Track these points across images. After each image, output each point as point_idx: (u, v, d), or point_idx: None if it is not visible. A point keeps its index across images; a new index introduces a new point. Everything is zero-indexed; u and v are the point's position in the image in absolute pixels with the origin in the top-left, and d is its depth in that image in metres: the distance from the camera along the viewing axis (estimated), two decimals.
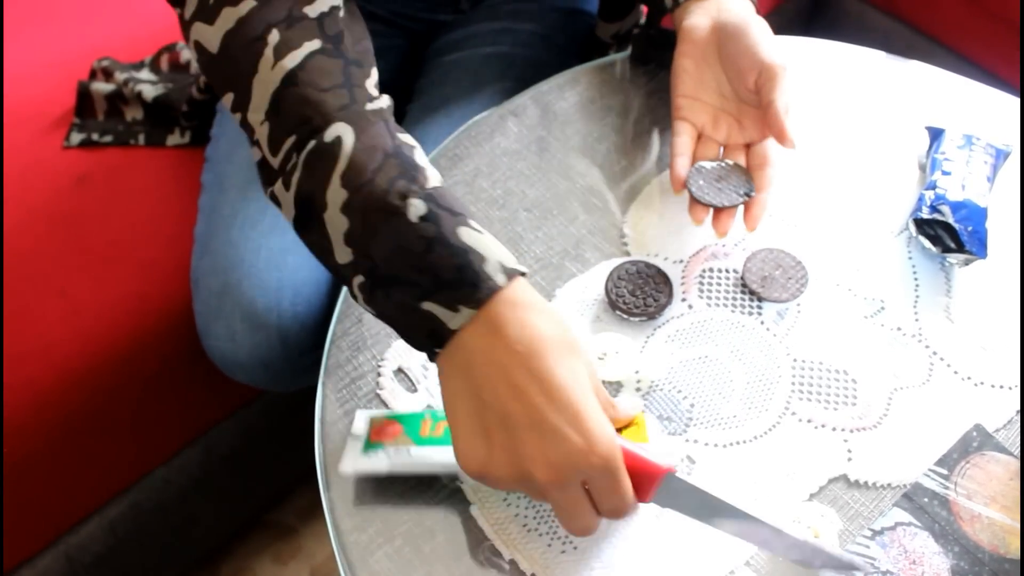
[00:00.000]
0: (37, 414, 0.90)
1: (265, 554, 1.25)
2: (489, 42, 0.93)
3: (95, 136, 1.04)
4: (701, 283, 0.70)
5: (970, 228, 0.68)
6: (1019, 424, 0.63)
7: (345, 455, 0.61)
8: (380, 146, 0.54)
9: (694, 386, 0.65)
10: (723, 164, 0.70)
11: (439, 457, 0.59)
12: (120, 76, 1.07)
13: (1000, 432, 0.63)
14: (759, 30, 0.69)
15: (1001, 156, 0.74)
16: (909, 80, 0.83)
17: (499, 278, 0.52)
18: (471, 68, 0.91)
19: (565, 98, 0.82)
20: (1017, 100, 0.80)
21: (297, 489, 1.29)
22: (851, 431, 0.63)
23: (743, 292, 0.69)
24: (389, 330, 0.68)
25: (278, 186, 0.56)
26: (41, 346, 0.91)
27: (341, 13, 0.59)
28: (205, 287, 0.83)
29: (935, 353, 0.67)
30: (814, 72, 0.83)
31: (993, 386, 0.65)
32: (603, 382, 0.65)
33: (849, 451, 0.63)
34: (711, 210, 0.69)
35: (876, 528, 0.59)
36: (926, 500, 0.60)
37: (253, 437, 1.12)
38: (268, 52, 0.55)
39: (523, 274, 0.53)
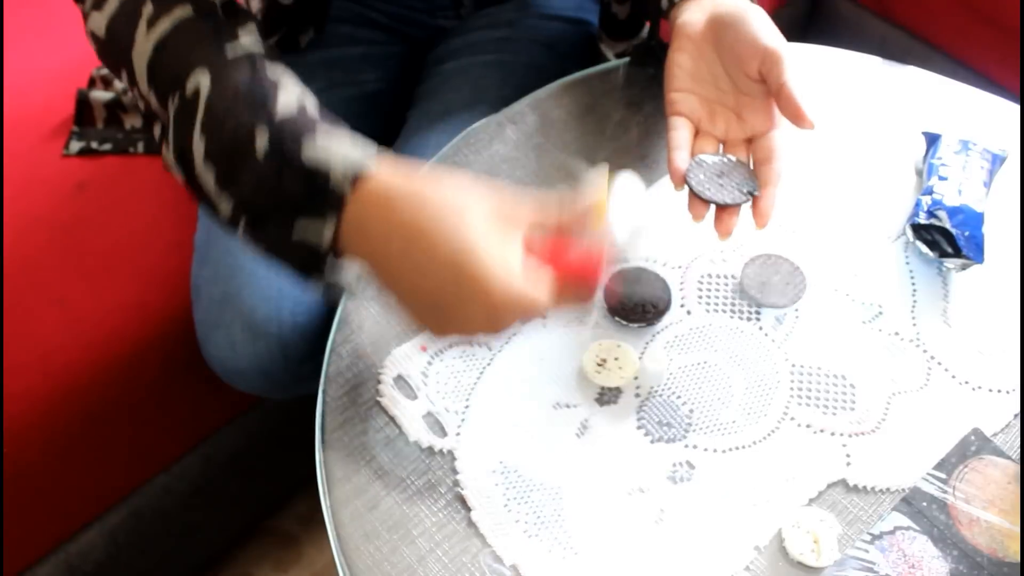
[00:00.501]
0: (37, 422, 0.90)
1: (265, 561, 1.25)
2: (489, 50, 0.93)
3: (94, 144, 1.04)
4: (699, 289, 0.70)
5: (967, 233, 0.68)
6: (1018, 428, 0.64)
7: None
8: (233, 87, 0.55)
9: (693, 392, 0.65)
10: (725, 159, 0.67)
11: None
12: (119, 84, 1.07)
13: (998, 436, 0.63)
14: (758, 18, 0.67)
15: (997, 161, 0.74)
16: (906, 85, 0.83)
17: (345, 186, 0.53)
18: (471, 76, 0.92)
19: (563, 105, 0.82)
20: (1014, 105, 0.81)
21: (297, 496, 1.29)
22: (850, 436, 0.64)
23: (741, 298, 0.70)
24: (389, 337, 0.68)
25: (163, 149, 0.58)
26: (40, 354, 0.91)
27: None
28: (205, 295, 0.83)
29: (933, 358, 0.67)
30: (811, 78, 0.83)
31: (991, 390, 0.65)
32: (603, 388, 0.65)
33: (848, 456, 0.63)
34: (711, 208, 0.65)
35: (875, 532, 0.59)
36: (925, 504, 0.60)
37: (253, 444, 1.12)
38: (142, 24, 0.58)
39: (373, 164, 0.54)
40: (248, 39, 0.59)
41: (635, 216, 0.58)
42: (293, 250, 0.55)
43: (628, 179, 0.59)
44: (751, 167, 0.67)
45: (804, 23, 1.58)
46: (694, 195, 0.65)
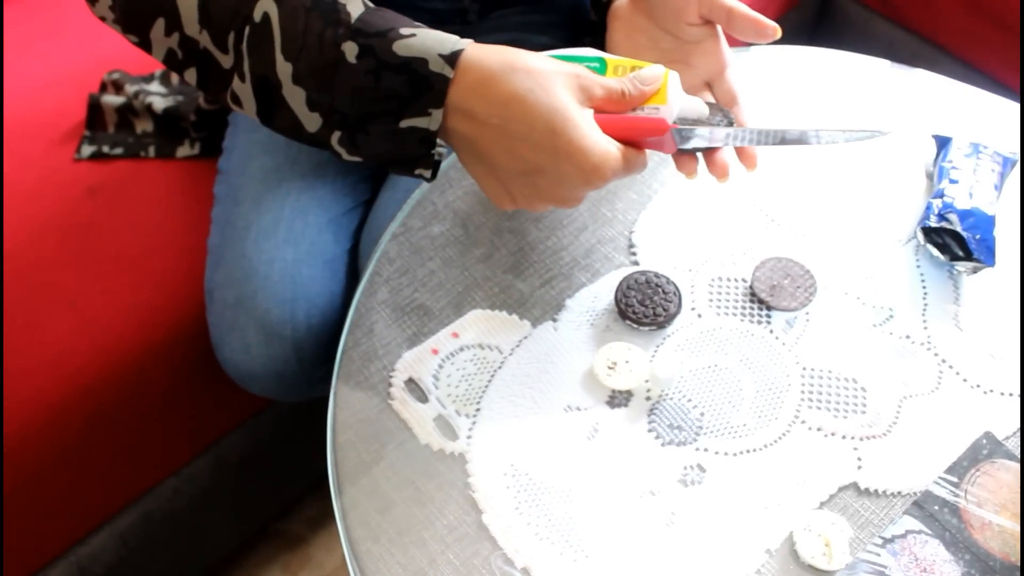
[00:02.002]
0: (48, 425, 0.90)
1: (274, 564, 1.26)
2: None
3: (106, 148, 1.05)
4: (710, 292, 0.70)
5: (978, 236, 0.68)
6: None
7: None
8: (300, 4, 0.57)
9: (704, 395, 0.66)
10: (699, 102, 0.64)
11: None
12: (130, 89, 1.08)
13: (1010, 440, 0.63)
14: None
15: (1008, 164, 0.74)
16: (915, 89, 0.83)
17: (447, 71, 0.56)
18: None
19: None
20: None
21: (306, 499, 1.29)
22: (861, 439, 0.64)
23: (752, 301, 0.70)
24: (400, 340, 0.69)
25: (235, 82, 0.60)
26: (51, 357, 0.91)
27: None
28: (219, 299, 0.84)
29: (944, 361, 0.67)
30: (820, 81, 0.83)
31: (1002, 394, 0.65)
32: (613, 392, 0.66)
33: (859, 459, 0.63)
34: (699, 158, 0.64)
35: (887, 536, 0.59)
36: (936, 508, 0.60)
37: (263, 447, 1.13)
38: None
39: (464, 46, 0.57)
40: None
41: (687, 101, 0.63)
42: (402, 144, 0.58)
43: (676, 76, 0.62)
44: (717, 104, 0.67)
45: (812, 26, 1.58)
46: (680, 152, 0.64)
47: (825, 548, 0.59)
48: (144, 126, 1.07)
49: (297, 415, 1.12)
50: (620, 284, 0.70)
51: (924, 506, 0.60)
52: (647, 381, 0.66)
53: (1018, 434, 0.64)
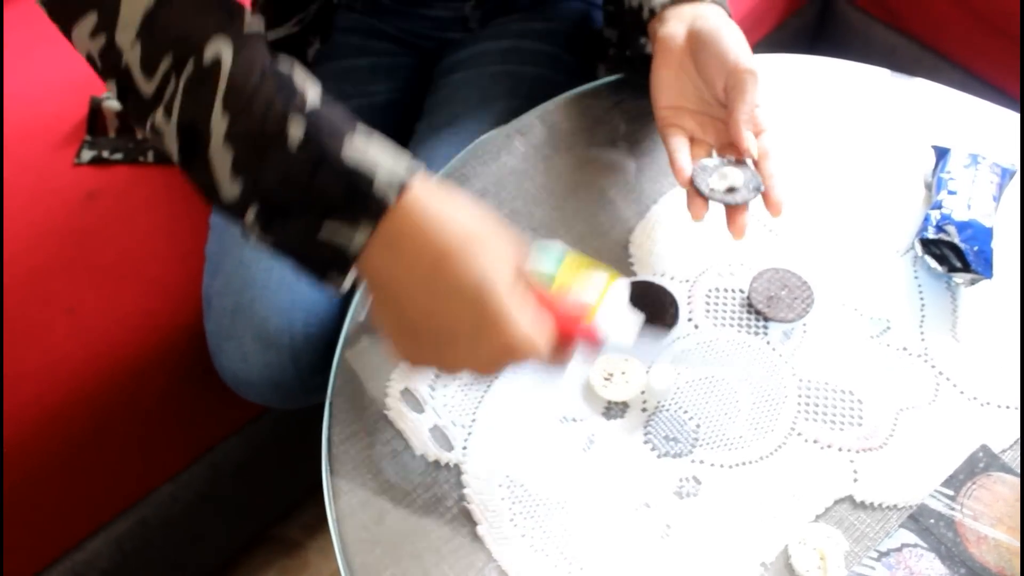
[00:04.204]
0: (45, 430, 0.90)
1: (271, 569, 1.25)
2: (498, 60, 0.94)
3: (106, 153, 1.05)
4: (707, 303, 0.70)
5: (976, 248, 0.68)
6: None
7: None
8: (259, 62, 0.52)
9: (700, 407, 0.65)
10: (726, 160, 0.68)
11: None
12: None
13: (1006, 453, 0.63)
14: (731, 37, 0.68)
15: (1006, 175, 0.74)
16: (915, 98, 0.83)
17: (389, 195, 0.51)
18: (479, 86, 0.92)
19: (571, 118, 0.82)
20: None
21: (303, 504, 1.29)
22: (857, 451, 0.63)
23: (749, 312, 0.70)
24: None
25: (158, 115, 0.53)
26: (49, 362, 0.91)
27: None
28: (217, 307, 0.84)
29: (941, 373, 0.67)
30: (819, 90, 0.83)
31: (999, 406, 0.65)
32: (609, 403, 0.65)
33: (855, 472, 0.63)
34: (709, 205, 0.67)
35: (882, 549, 0.59)
36: (932, 521, 0.60)
37: (259, 452, 1.13)
38: None
39: (415, 178, 0.52)
40: (255, 19, 0.55)
41: (623, 324, 0.59)
42: (315, 249, 0.52)
43: (622, 287, 0.59)
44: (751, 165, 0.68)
45: (813, 33, 1.58)
46: (694, 194, 0.67)
47: (820, 562, 0.59)
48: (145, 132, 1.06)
49: (293, 421, 1.11)
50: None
51: (920, 519, 0.60)
52: (643, 392, 0.66)
53: (1015, 447, 0.63)
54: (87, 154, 1.05)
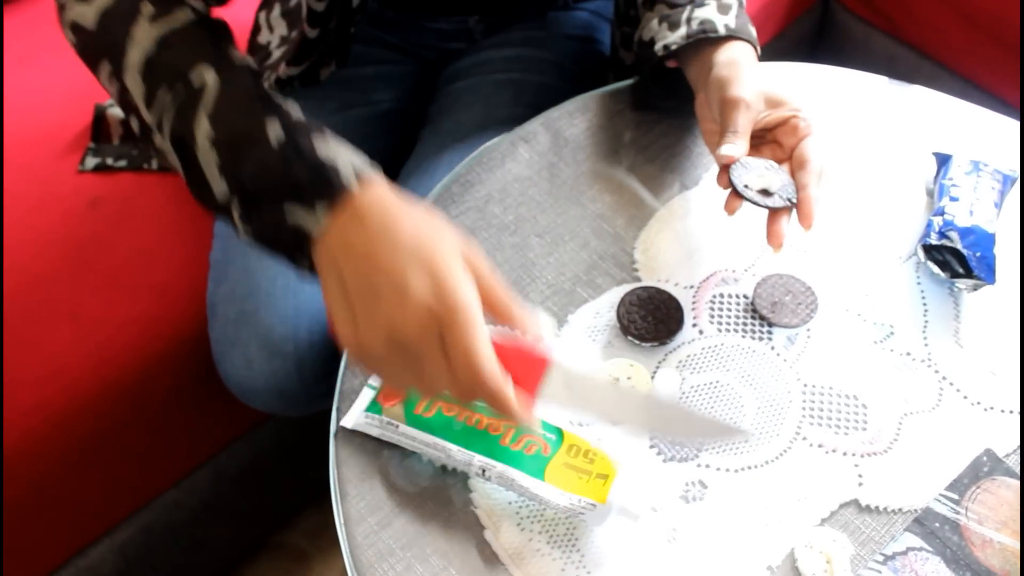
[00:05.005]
0: (48, 436, 0.90)
1: None
2: (501, 69, 0.94)
3: (109, 160, 1.05)
4: (712, 309, 0.71)
5: (978, 254, 0.69)
6: None
7: (352, 409, 0.65)
8: (244, 87, 0.58)
9: (705, 411, 0.66)
10: (767, 164, 0.68)
11: (422, 439, 0.62)
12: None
13: (1010, 457, 0.63)
14: (746, 73, 0.70)
15: (1008, 182, 0.74)
16: (916, 106, 0.84)
17: (353, 183, 0.54)
18: (483, 94, 0.92)
19: (576, 124, 0.82)
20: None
21: (306, 511, 1.29)
22: (862, 456, 0.64)
23: (753, 318, 0.70)
24: None
25: (156, 137, 0.60)
26: (52, 369, 0.91)
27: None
28: (222, 314, 0.84)
29: (944, 378, 0.67)
30: (820, 99, 0.84)
31: (1003, 411, 0.66)
32: None
33: (860, 476, 0.63)
34: (742, 202, 0.67)
35: (888, 553, 0.59)
36: (937, 525, 0.60)
37: (263, 459, 1.13)
38: (142, 21, 0.60)
39: (376, 175, 0.55)
40: (245, 57, 0.61)
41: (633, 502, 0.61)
42: (285, 233, 0.56)
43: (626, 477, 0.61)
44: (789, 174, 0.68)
45: (812, 41, 1.59)
46: (733, 192, 0.67)
47: (826, 565, 0.59)
48: None
49: (297, 427, 1.12)
50: (622, 300, 0.70)
51: (925, 523, 0.61)
52: None
53: (1018, 451, 0.64)
54: (91, 161, 1.05)
